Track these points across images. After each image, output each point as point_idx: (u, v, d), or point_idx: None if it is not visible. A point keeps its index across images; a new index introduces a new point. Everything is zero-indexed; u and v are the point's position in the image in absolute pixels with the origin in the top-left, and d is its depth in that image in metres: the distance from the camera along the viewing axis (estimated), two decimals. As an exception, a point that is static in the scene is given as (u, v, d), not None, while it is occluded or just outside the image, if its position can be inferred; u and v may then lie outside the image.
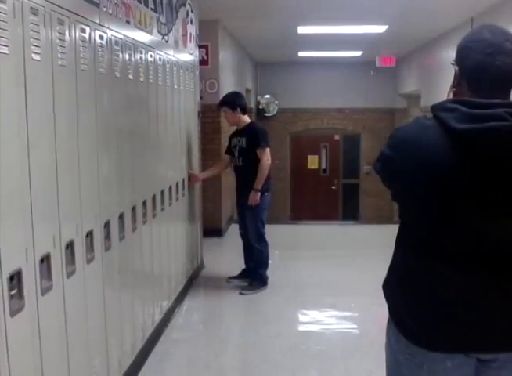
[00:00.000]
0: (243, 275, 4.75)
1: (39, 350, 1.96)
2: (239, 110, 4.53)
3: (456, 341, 1.41)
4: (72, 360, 2.23)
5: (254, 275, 4.62)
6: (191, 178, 4.65)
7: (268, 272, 4.70)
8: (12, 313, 1.76)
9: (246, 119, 4.62)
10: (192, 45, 4.85)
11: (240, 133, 4.58)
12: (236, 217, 4.94)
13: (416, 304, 1.44)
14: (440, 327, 1.41)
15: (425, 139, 1.36)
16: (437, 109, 1.37)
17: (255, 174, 4.39)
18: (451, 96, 1.45)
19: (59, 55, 2.08)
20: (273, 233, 7.76)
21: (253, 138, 4.43)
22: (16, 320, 1.78)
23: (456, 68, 1.43)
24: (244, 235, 4.71)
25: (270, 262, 5.56)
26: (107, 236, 2.63)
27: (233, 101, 4.57)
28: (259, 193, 4.41)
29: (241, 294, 4.49)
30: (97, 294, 2.54)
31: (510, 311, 1.39)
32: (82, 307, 2.35)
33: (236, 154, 4.55)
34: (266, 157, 4.43)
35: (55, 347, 2.11)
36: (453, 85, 1.45)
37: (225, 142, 7.65)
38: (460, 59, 1.40)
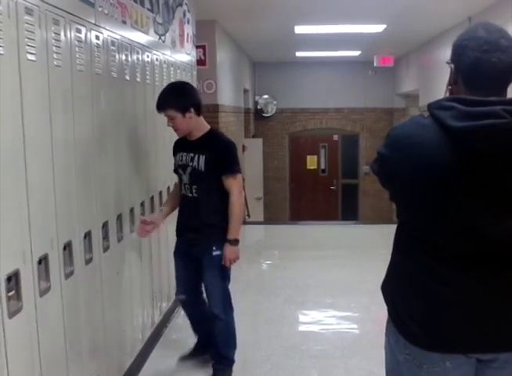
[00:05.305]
0: (198, 350, 3.27)
1: (38, 352, 1.95)
2: (192, 110, 2.81)
3: (455, 341, 1.40)
4: (71, 362, 2.22)
5: (220, 359, 3.06)
6: (147, 226, 2.99)
7: (268, 273, 4.66)
8: (10, 315, 1.76)
9: (204, 124, 2.93)
10: (189, 46, 4.84)
11: (195, 146, 2.87)
12: (181, 264, 3.08)
13: (415, 304, 1.43)
14: (439, 328, 1.40)
15: (422, 137, 1.35)
16: (433, 107, 1.36)
17: (218, 212, 2.85)
18: (447, 95, 1.44)
19: (55, 55, 2.08)
20: (273, 233, 7.82)
21: (218, 157, 2.82)
22: (14, 322, 1.78)
23: (452, 66, 1.42)
24: (190, 302, 3.12)
25: (269, 262, 5.48)
26: (105, 237, 2.63)
27: (182, 98, 2.82)
28: (238, 246, 2.87)
29: None
30: (96, 295, 2.53)
31: (510, 311, 1.38)
32: (81, 308, 2.34)
33: (187, 179, 2.88)
34: (238, 188, 2.85)
35: (53, 348, 2.10)
36: (449, 83, 1.44)
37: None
38: (456, 57, 1.39)
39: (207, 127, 2.94)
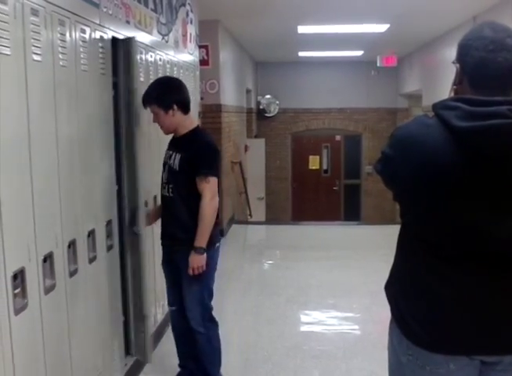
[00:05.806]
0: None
1: (42, 348, 1.97)
2: (175, 107, 2.68)
3: (458, 343, 1.39)
4: (75, 359, 2.24)
5: None
6: (151, 217, 2.99)
7: (270, 273, 4.66)
8: (16, 312, 1.78)
9: (190, 122, 2.79)
10: (192, 46, 4.85)
11: (175, 144, 2.76)
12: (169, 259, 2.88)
13: (418, 305, 1.43)
14: (442, 329, 1.39)
15: (426, 137, 1.34)
16: (438, 107, 1.35)
17: (193, 216, 2.65)
18: (452, 95, 1.43)
19: (60, 56, 2.09)
20: (274, 233, 7.84)
21: (193, 157, 2.65)
22: (20, 319, 1.80)
23: (458, 66, 1.41)
24: (178, 315, 2.87)
25: (271, 262, 5.46)
26: (109, 236, 2.64)
27: (165, 94, 2.69)
28: (205, 254, 2.65)
29: None
30: (99, 293, 2.55)
31: None
32: (85, 306, 2.36)
33: (165, 177, 2.76)
34: (211, 192, 2.64)
35: (57, 345, 2.12)
36: (455, 83, 1.43)
37: (228, 146, 7.62)
38: (461, 57, 1.39)
39: (194, 125, 2.80)
